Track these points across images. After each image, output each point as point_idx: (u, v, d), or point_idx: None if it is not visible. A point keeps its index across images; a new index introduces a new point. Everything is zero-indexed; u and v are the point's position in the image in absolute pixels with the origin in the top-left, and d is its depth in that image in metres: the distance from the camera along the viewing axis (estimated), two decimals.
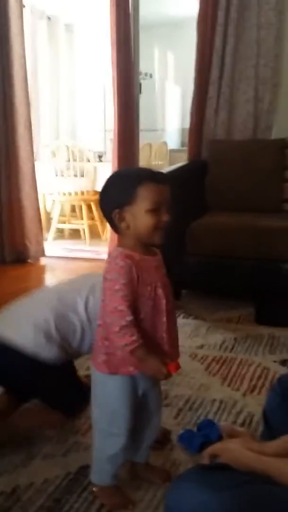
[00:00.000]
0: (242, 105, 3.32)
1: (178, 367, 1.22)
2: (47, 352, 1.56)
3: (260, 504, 0.98)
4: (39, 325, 1.58)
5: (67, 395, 1.66)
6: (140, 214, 1.20)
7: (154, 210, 1.20)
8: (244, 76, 3.31)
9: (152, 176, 1.22)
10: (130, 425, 1.31)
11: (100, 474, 1.37)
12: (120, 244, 1.26)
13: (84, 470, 1.46)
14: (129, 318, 1.17)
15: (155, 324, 1.24)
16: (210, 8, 3.28)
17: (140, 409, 1.35)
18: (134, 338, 1.17)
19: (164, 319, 1.24)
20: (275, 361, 2.17)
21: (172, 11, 6.40)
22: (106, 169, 4.35)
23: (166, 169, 3.19)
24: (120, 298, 1.17)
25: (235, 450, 1.10)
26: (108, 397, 1.29)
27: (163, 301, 1.24)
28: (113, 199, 1.23)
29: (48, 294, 1.78)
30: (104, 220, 1.36)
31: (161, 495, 1.40)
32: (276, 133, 3.35)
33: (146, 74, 6.71)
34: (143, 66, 3.95)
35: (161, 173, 1.25)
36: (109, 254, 1.26)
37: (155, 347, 1.23)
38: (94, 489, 1.39)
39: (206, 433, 1.61)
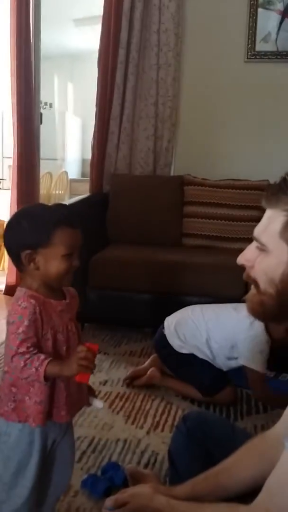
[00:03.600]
0: (143, 142, 3.41)
1: (95, 345, 1.14)
2: None
3: None
4: None
5: None
6: (54, 258, 1.16)
7: (68, 255, 1.17)
8: (144, 114, 3.41)
9: (68, 219, 1.19)
10: (36, 478, 1.23)
11: None
12: (24, 284, 1.20)
13: None
14: (31, 353, 1.11)
15: None
16: (111, 45, 3.35)
17: (48, 460, 1.28)
18: (42, 357, 1.11)
19: None
20: (177, 396, 2.19)
21: (73, 43, 6.48)
22: (4, 196, 4.22)
23: (68, 201, 3.17)
24: (22, 342, 1.12)
25: (145, 496, 1.09)
26: (12, 448, 1.21)
27: (63, 348, 1.19)
28: (24, 239, 1.17)
29: None
30: (1, 249, 1.31)
31: None
32: (174, 170, 3.47)
33: (46, 104, 6.69)
34: (43, 95, 3.93)
35: (74, 216, 1.22)
36: (14, 296, 1.19)
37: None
38: None
39: (111, 477, 1.57)
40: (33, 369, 1.10)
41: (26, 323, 1.12)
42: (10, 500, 1.23)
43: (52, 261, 1.16)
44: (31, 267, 1.17)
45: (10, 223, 1.22)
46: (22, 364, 1.11)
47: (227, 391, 2.13)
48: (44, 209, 1.26)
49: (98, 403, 1.28)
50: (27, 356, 1.11)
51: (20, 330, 1.12)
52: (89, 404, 1.30)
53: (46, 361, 1.11)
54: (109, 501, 1.10)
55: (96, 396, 1.31)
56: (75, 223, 1.20)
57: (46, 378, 1.11)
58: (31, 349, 1.12)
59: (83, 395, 1.26)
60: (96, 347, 1.14)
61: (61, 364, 1.13)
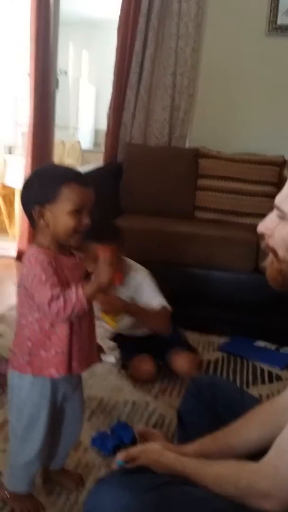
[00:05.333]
0: (159, 112, 3.39)
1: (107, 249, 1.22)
2: None
3: (179, 503, 1.01)
4: None
5: None
6: (61, 214, 1.18)
7: (76, 212, 1.19)
8: (162, 84, 3.38)
9: (77, 177, 1.21)
10: (47, 430, 1.28)
11: (15, 481, 1.33)
12: (35, 241, 1.24)
13: None
14: (64, 291, 1.16)
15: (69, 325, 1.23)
16: (132, 13, 3.31)
17: (59, 415, 1.33)
18: (73, 288, 1.16)
19: (76, 320, 1.23)
20: None
21: (90, 11, 6.38)
22: (17, 163, 4.22)
23: (81, 169, 3.17)
24: (52, 286, 1.15)
25: (155, 452, 1.13)
26: (25, 401, 1.26)
27: None
28: (34, 195, 1.20)
29: None
30: (12, 215, 1.34)
31: (73, 499, 1.40)
32: (189, 142, 3.46)
33: (60, 71, 6.61)
34: (58, 62, 3.89)
35: (85, 177, 1.24)
36: (25, 255, 1.22)
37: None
38: (6, 494, 1.35)
39: (120, 435, 1.62)
40: (74, 300, 1.14)
41: (47, 271, 1.16)
42: (23, 452, 1.29)
43: (59, 217, 1.19)
44: (42, 224, 1.20)
45: (24, 182, 1.26)
46: (62, 303, 1.14)
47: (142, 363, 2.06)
48: (55, 167, 1.28)
49: (109, 358, 1.34)
50: (62, 295, 1.15)
51: (44, 278, 1.15)
52: (101, 360, 1.34)
53: (80, 287, 1.16)
54: (120, 455, 1.14)
55: (105, 352, 1.37)
56: (86, 182, 1.21)
57: (88, 300, 1.16)
58: (61, 288, 1.16)
59: (93, 351, 1.31)
60: (108, 249, 1.20)
61: (92, 280, 1.18)
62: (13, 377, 1.27)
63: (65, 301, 1.14)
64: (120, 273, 1.21)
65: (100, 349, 1.38)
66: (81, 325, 1.24)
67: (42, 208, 1.19)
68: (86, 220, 1.20)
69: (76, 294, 1.15)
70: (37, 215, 1.20)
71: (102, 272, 1.18)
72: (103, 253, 1.19)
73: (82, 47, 7.31)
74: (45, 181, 1.20)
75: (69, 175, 1.21)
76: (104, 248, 1.20)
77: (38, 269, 1.16)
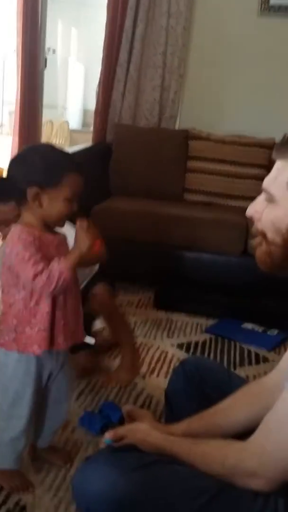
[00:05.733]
0: (149, 92, 3.35)
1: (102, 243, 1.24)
2: None
3: (166, 482, 1.02)
4: None
5: None
6: (58, 200, 1.22)
7: (70, 200, 1.23)
8: (152, 63, 3.34)
9: (78, 166, 1.26)
10: (32, 408, 1.29)
11: (2, 458, 1.34)
12: (20, 221, 1.25)
13: None
14: (47, 266, 1.17)
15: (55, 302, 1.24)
16: None
17: (45, 393, 1.34)
18: (55, 261, 1.17)
19: (61, 296, 1.24)
20: (172, 345, 2.25)
21: None
22: (5, 141, 4.15)
23: (69, 149, 3.14)
24: (35, 263, 1.16)
25: (143, 431, 1.14)
26: (10, 378, 1.27)
27: None
28: (34, 176, 1.21)
29: None
30: None
31: (62, 476, 1.41)
32: (180, 123, 3.43)
33: (49, 49, 6.50)
34: (47, 40, 3.82)
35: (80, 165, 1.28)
36: (9, 234, 1.23)
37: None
38: None
39: (107, 415, 1.63)
40: (57, 273, 1.16)
41: (29, 249, 1.17)
42: (9, 429, 1.30)
43: (56, 202, 1.22)
44: (34, 204, 1.21)
45: (20, 157, 1.26)
46: (45, 278, 1.16)
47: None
48: (55, 151, 1.29)
49: (90, 339, 1.38)
50: (46, 270, 1.16)
51: (27, 256, 1.17)
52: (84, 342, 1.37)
53: (62, 259, 1.18)
54: (108, 434, 1.15)
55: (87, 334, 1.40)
56: (81, 171, 1.26)
57: (72, 270, 1.18)
58: (44, 264, 1.17)
59: (79, 328, 1.32)
60: (100, 245, 1.23)
61: (73, 248, 1.21)
62: (0, 354, 1.27)
63: (48, 275, 1.16)
64: (100, 239, 1.23)
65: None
66: (66, 300, 1.26)
67: (41, 190, 1.20)
68: (75, 207, 1.25)
69: (59, 266, 1.17)
70: (32, 195, 1.20)
71: (81, 240, 1.20)
72: (80, 221, 1.22)
73: (71, 25, 7.18)
74: (50, 165, 1.22)
75: (73, 165, 1.26)
76: (82, 218, 1.23)
77: (20, 247, 1.18)
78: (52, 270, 1.16)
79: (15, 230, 1.21)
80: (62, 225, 1.27)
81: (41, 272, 1.16)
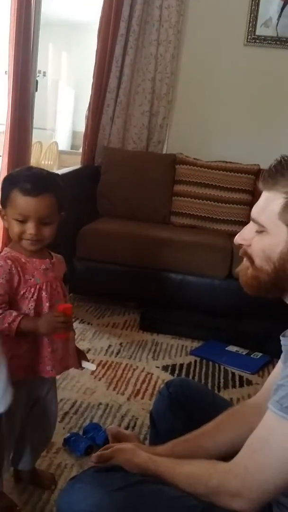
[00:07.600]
0: (137, 117, 3.42)
1: (69, 306, 1.21)
2: None
3: (151, 501, 1.03)
4: None
5: None
6: (11, 220, 1.21)
7: (21, 221, 1.19)
8: (141, 89, 3.41)
9: (23, 184, 1.18)
10: (14, 431, 1.28)
11: None
12: (11, 243, 1.26)
13: None
14: (4, 309, 1.18)
15: None
16: (113, 17, 3.33)
17: (28, 417, 1.33)
18: (14, 314, 1.17)
19: None
20: (157, 367, 2.26)
21: (71, 13, 6.39)
22: None
23: (60, 171, 3.17)
24: None
25: (128, 451, 1.14)
26: None
27: (46, 305, 1.24)
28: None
29: None
30: None
31: (46, 498, 1.41)
32: (167, 148, 3.50)
33: (39, 72, 6.60)
34: (38, 63, 3.88)
35: (37, 184, 1.19)
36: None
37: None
38: None
39: (92, 436, 1.64)
40: (6, 325, 1.16)
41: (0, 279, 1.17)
42: None
43: (10, 222, 1.21)
44: (5, 226, 1.24)
45: None
46: None
47: None
48: (19, 171, 1.28)
49: (90, 366, 1.34)
50: (3, 309, 1.17)
51: None
52: (81, 367, 1.35)
53: (19, 318, 1.16)
54: (94, 457, 1.15)
55: (88, 360, 1.37)
56: (33, 191, 1.17)
57: (20, 333, 1.16)
58: (3, 305, 1.17)
59: (69, 354, 1.31)
60: (69, 308, 1.21)
61: (37, 320, 1.19)
62: None
63: (3, 317, 1.16)
64: (69, 332, 1.24)
65: (82, 355, 1.39)
66: None
67: (3, 211, 1.23)
68: (31, 231, 1.18)
69: (12, 321, 1.16)
70: (2, 217, 1.24)
71: (50, 325, 1.18)
72: (65, 309, 1.20)
73: (62, 49, 7.31)
74: (3, 184, 1.23)
75: (16, 182, 1.19)
76: (65, 311, 1.20)
77: None
78: (4, 319, 1.16)
79: (3, 252, 1.22)
80: (28, 248, 1.22)
81: None
